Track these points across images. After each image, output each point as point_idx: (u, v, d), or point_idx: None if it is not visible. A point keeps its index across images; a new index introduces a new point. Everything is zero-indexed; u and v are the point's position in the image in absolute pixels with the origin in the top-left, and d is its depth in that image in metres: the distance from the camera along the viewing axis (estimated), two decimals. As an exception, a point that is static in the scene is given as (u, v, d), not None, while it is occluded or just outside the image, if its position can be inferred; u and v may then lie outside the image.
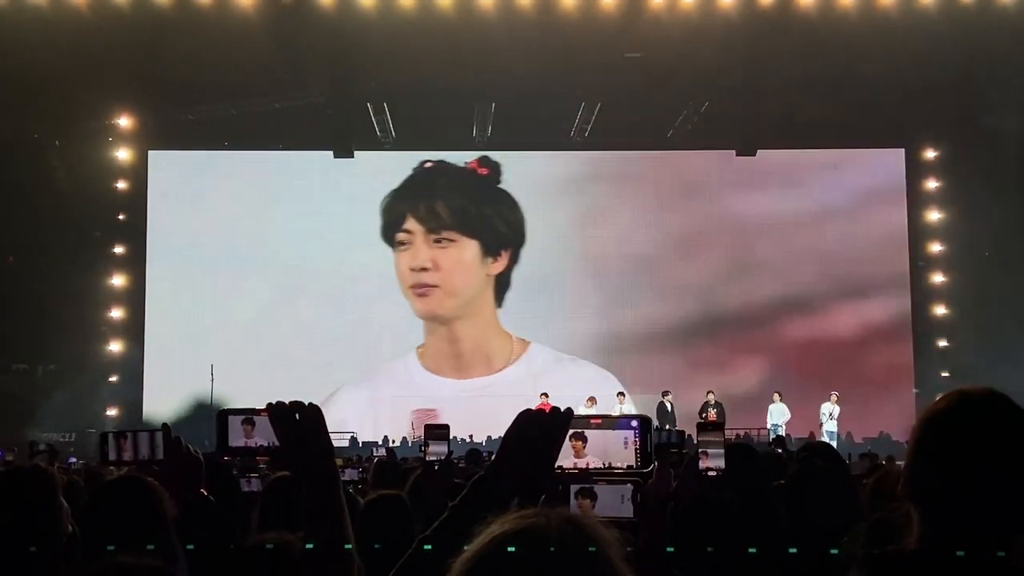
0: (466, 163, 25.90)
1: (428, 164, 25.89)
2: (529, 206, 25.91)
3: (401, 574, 2.22)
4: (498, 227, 25.66)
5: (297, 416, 2.46)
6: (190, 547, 3.26)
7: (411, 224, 25.37)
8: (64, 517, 3.16)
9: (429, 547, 2.20)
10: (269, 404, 2.49)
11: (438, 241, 25.26)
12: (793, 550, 3.48)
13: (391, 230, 25.53)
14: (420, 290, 25.10)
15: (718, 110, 25.56)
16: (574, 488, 3.15)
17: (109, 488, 3.44)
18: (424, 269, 25.09)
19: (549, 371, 24.95)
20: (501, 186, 25.89)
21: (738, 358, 25.29)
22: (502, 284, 25.59)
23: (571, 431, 2.39)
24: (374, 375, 25.35)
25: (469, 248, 25.38)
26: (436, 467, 4.94)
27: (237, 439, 2.65)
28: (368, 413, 24.90)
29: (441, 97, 24.80)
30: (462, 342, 25.43)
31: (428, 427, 5.17)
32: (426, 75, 23.93)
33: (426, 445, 5.09)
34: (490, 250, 25.49)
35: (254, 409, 2.62)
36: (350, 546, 2.41)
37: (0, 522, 3.09)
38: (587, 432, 2.43)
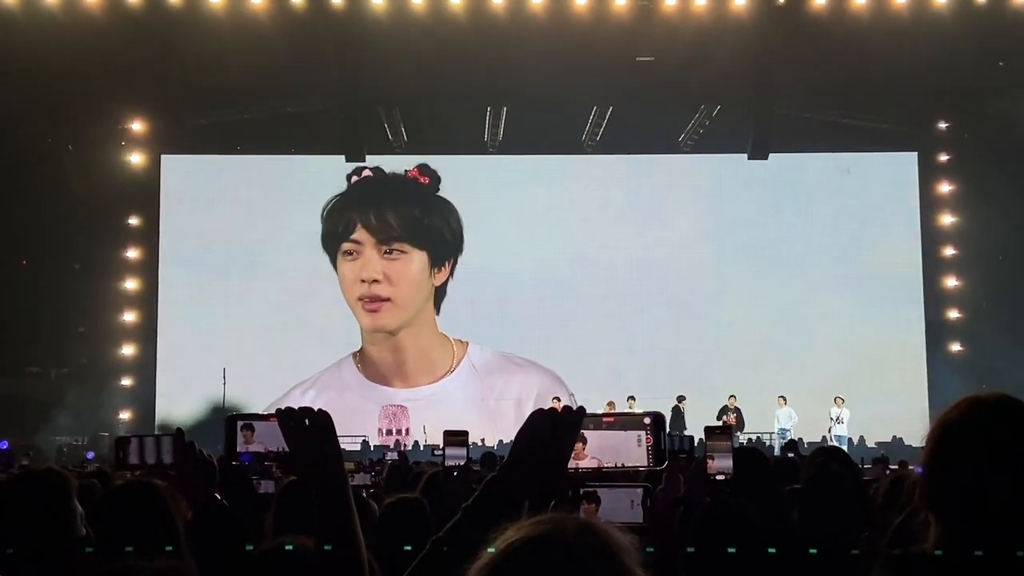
0: (406, 171, 25.69)
1: (367, 172, 25.67)
2: (538, 209, 25.87)
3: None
4: (445, 237, 25.48)
5: (307, 422, 2.47)
6: (204, 550, 3.27)
7: (360, 234, 25.05)
8: (78, 520, 3.17)
9: (443, 549, 2.20)
10: (278, 410, 2.50)
11: (388, 252, 24.95)
12: (812, 551, 3.48)
13: (337, 239, 25.20)
14: (371, 304, 24.75)
15: (730, 114, 25.54)
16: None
17: (119, 492, 3.45)
18: (375, 281, 24.75)
19: (494, 371, 24.96)
20: (440, 193, 25.74)
21: (747, 362, 25.21)
22: (440, 292, 25.49)
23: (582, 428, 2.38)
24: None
25: (418, 259, 25.13)
26: (455, 472, 4.94)
27: (250, 445, 2.66)
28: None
29: (453, 102, 24.84)
30: (406, 351, 25.22)
31: (447, 433, 5.18)
32: (438, 79, 23.95)
33: (444, 450, 5.09)
34: (436, 260, 25.31)
35: (259, 415, 2.63)
36: (361, 550, 2.42)
37: (14, 525, 3.11)
38: (595, 432, 2.41)
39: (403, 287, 24.95)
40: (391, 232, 24.97)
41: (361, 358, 25.37)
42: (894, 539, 3.32)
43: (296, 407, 2.49)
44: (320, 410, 2.50)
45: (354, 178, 25.71)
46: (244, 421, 2.65)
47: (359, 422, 23.93)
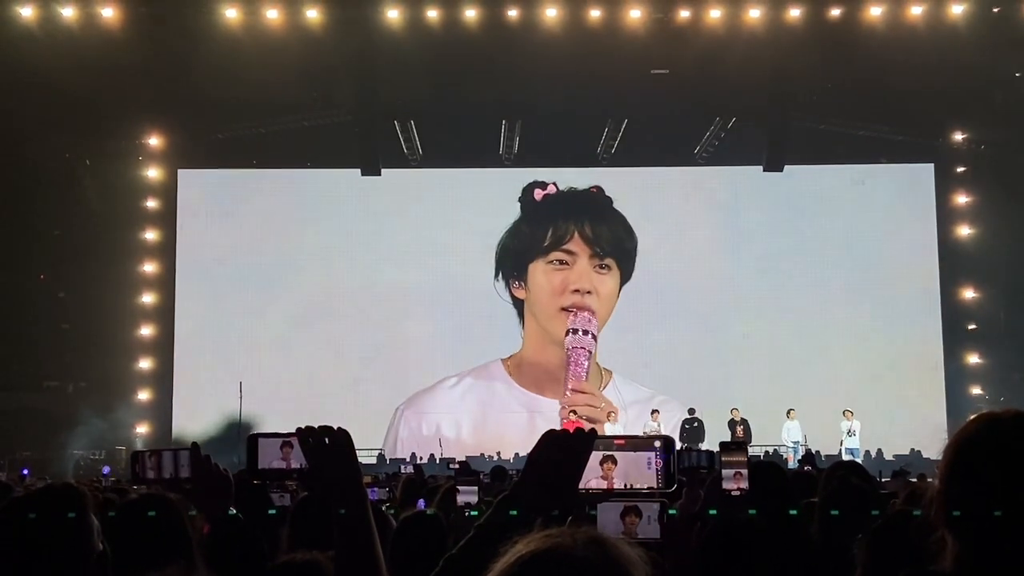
0: (590, 188, 25.73)
1: (551, 187, 25.64)
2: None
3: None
4: (633, 259, 25.55)
5: (326, 440, 2.49)
6: (219, 565, 3.27)
7: (575, 244, 25.09)
8: (94, 535, 3.18)
9: (456, 565, 2.21)
10: (299, 428, 2.52)
11: (600, 267, 25.08)
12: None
13: (548, 245, 25.19)
14: (579, 312, 24.76)
15: (745, 126, 25.53)
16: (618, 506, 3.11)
17: (133, 506, 3.46)
18: (588, 292, 24.79)
19: (633, 403, 24.76)
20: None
21: (763, 374, 25.14)
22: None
23: (602, 454, 2.41)
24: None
25: (615, 278, 25.21)
26: (466, 514, 4.90)
27: (272, 461, 2.68)
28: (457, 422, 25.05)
29: (468, 114, 24.91)
30: None
31: (458, 472, 5.15)
32: (453, 92, 24.03)
33: (456, 492, 5.05)
34: (622, 283, 25.38)
35: (281, 433, 2.65)
36: (381, 568, 2.43)
37: (31, 539, 3.11)
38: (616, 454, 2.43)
39: (605, 303, 25.07)
40: (605, 246, 25.10)
41: (516, 364, 25.35)
42: (877, 535, 3.31)
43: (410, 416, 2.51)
44: (340, 428, 2.52)
45: (537, 191, 25.68)
46: (284, 439, 2.67)
47: (504, 421, 24.48)
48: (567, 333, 24.69)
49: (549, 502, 2.28)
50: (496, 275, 25.49)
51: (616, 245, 25.23)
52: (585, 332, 24.66)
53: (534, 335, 25.25)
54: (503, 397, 25.21)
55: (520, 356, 25.41)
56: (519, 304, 25.45)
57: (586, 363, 24.73)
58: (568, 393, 24.58)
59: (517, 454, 23.65)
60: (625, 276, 25.35)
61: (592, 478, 2.40)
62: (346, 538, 2.44)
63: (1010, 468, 2.09)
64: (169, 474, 3.68)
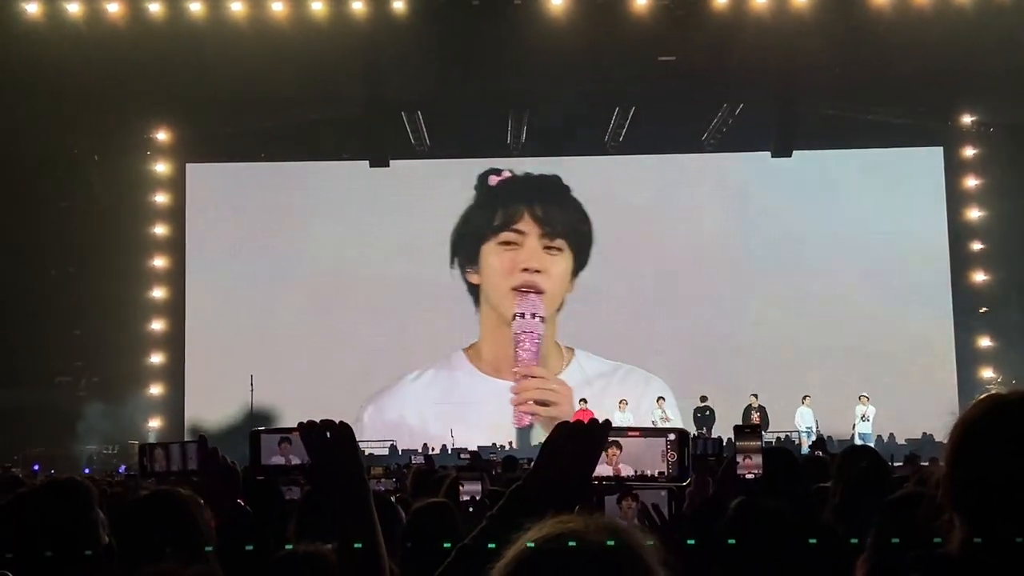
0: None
1: (505, 173, 25.75)
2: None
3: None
4: (587, 244, 25.59)
5: (328, 434, 2.48)
6: (227, 557, 3.27)
7: (526, 224, 25.22)
8: (100, 529, 3.18)
9: (469, 555, 2.22)
10: (300, 423, 2.51)
11: (548, 248, 25.17)
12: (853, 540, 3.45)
13: (498, 226, 25.34)
14: (527, 291, 24.89)
15: (753, 112, 25.46)
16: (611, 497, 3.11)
17: (144, 502, 3.46)
18: (537, 271, 24.92)
19: (598, 377, 24.89)
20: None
21: (773, 360, 25.12)
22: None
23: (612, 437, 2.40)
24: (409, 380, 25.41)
25: (567, 260, 25.29)
26: (471, 509, 4.89)
27: (272, 457, 2.67)
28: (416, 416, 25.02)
29: (475, 105, 24.88)
30: None
31: (460, 470, 5.13)
32: (459, 83, 24.00)
33: (460, 485, 5.03)
34: (576, 268, 25.44)
35: (287, 428, 2.64)
36: (383, 562, 2.43)
37: (37, 534, 3.12)
38: (623, 440, 2.42)
39: (556, 284, 25.13)
40: (556, 226, 25.21)
41: (476, 352, 25.45)
42: (886, 518, 3.30)
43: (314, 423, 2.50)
44: (341, 422, 2.52)
45: (492, 177, 25.75)
46: (281, 435, 2.66)
47: (474, 409, 24.54)
48: (514, 317, 24.79)
49: (563, 493, 2.28)
50: (451, 262, 25.58)
51: (568, 226, 25.28)
52: (533, 315, 24.75)
53: (489, 319, 25.41)
54: (464, 386, 25.28)
55: (479, 343, 25.53)
56: (475, 290, 25.54)
57: (533, 347, 24.80)
58: (518, 379, 24.71)
59: (511, 443, 23.77)
60: (579, 260, 25.39)
61: (598, 464, 2.39)
62: (348, 531, 2.43)
63: (1016, 449, 2.08)
64: (177, 467, 3.68)
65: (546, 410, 24.43)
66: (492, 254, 25.30)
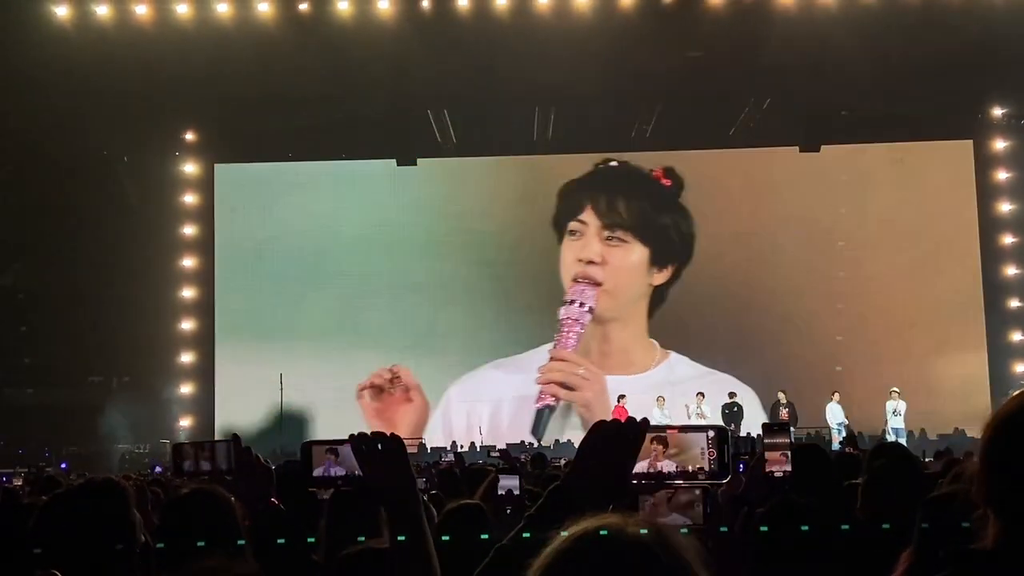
0: (650, 171, 25.72)
1: (613, 163, 25.72)
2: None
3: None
4: (672, 238, 25.43)
5: (379, 447, 2.50)
6: (262, 556, 3.29)
7: (587, 215, 25.19)
8: (137, 528, 3.21)
9: (507, 555, 2.22)
10: (351, 435, 2.55)
11: (610, 239, 25.06)
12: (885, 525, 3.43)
13: (565, 217, 25.36)
14: (583, 282, 24.87)
15: (780, 106, 25.35)
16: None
17: (182, 501, 3.48)
18: (592, 262, 24.86)
19: (686, 380, 24.63)
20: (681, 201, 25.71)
21: (803, 355, 25.01)
22: (658, 296, 25.36)
23: (653, 434, 2.40)
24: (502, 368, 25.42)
25: (638, 252, 25.16)
26: (508, 510, 4.89)
27: (321, 467, 2.70)
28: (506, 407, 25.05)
29: (501, 102, 24.87)
30: (611, 343, 25.11)
31: (500, 463, 5.13)
32: (486, 80, 23.99)
33: (498, 477, 5.04)
34: (657, 260, 25.26)
35: (337, 440, 2.67)
36: (435, 571, 2.45)
37: (75, 534, 3.14)
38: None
39: (617, 274, 24.99)
40: (617, 219, 25.13)
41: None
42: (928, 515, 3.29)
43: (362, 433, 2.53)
44: (392, 434, 2.55)
45: (601, 166, 25.75)
46: (329, 446, 2.69)
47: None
48: (563, 304, 24.72)
49: (601, 492, 2.28)
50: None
51: (632, 219, 25.14)
52: (580, 304, 24.69)
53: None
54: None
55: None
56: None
57: (575, 336, 24.74)
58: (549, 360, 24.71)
59: (557, 440, 23.73)
60: (658, 252, 25.20)
61: (642, 459, 2.39)
62: (400, 542, 2.46)
63: None
64: (211, 466, 3.70)
65: (568, 394, 24.40)
66: (564, 245, 25.39)
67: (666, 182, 25.55)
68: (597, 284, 24.79)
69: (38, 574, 2.68)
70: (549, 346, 25.10)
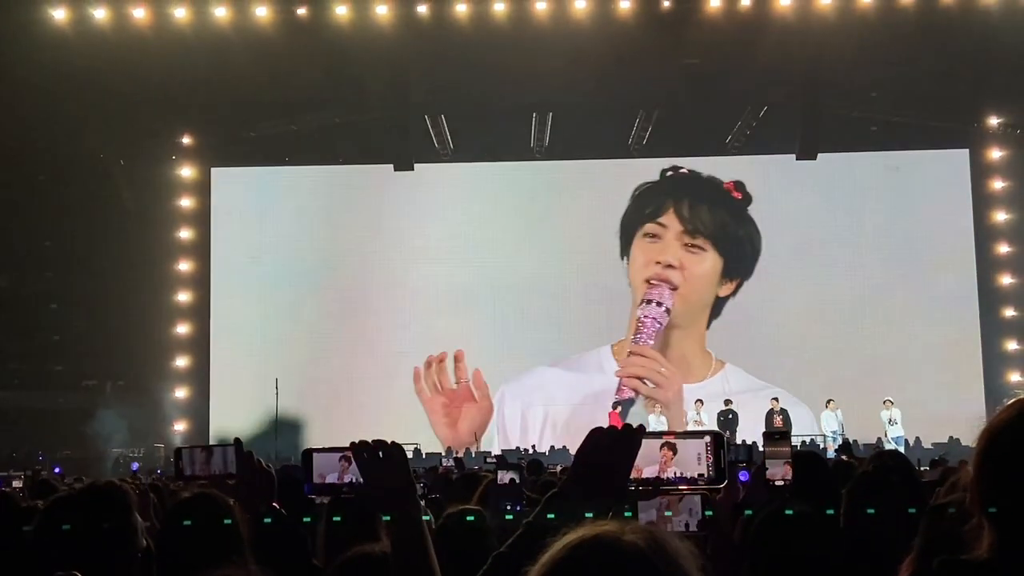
0: (724, 184, 25.64)
1: (683, 170, 25.61)
2: (589, 215, 25.77)
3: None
4: (745, 251, 25.34)
5: (380, 454, 2.52)
6: (264, 561, 3.30)
7: (668, 219, 25.05)
8: (139, 533, 3.21)
9: (505, 562, 2.23)
10: (352, 443, 2.57)
11: (690, 246, 24.91)
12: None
13: (641, 220, 25.19)
14: (659, 283, 24.67)
15: (777, 114, 25.38)
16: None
17: (184, 505, 3.49)
18: (671, 266, 24.66)
19: (742, 392, 24.40)
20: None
21: (798, 363, 25.01)
22: (717, 307, 25.30)
23: (663, 441, 2.41)
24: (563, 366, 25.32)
25: (711, 261, 25.04)
26: (507, 506, 4.94)
27: (328, 475, 2.72)
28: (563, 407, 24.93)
29: (498, 108, 24.89)
30: (670, 349, 24.93)
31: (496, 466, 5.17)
32: (483, 87, 24.01)
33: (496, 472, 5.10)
34: (728, 271, 25.17)
35: (339, 448, 2.68)
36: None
37: (76, 538, 3.15)
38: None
39: (692, 282, 24.83)
40: (700, 226, 24.97)
41: (620, 348, 25.13)
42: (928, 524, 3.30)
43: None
44: (393, 443, 2.57)
45: (670, 172, 25.67)
46: (342, 453, 2.71)
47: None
48: (640, 303, 24.66)
49: (598, 499, 2.29)
50: (621, 256, 25.46)
51: (714, 228, 25.02)
52: (659, 304, 24.58)
53: (631, 313, 25.10)
54: (597, 384, 24.94)
55: (624, 340, 25.23)
56: None
57: (652, 335, 24.59)
58: (629, 355, 24.53)
59: (552, 447, 23.70)
60: (731, 264, 25.12)
61: (649, 465, 2.40)
62: (401, 548, 2.48)
63: None
64: (212, 471, 3.70)
65: (650, 390, 24.25)
66: (636, 246, 25.20)
67: (736, 195, 25.48)
68: (674, 288, 24.71)
69: (59, 575, 2.68)
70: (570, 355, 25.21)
